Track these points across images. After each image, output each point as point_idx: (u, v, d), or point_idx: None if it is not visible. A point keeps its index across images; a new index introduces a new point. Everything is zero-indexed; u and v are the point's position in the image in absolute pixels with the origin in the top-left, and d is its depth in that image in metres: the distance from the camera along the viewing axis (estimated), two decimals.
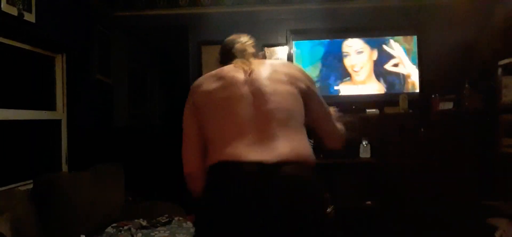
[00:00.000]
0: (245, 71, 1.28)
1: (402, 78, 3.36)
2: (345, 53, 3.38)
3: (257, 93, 1.22)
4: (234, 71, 1.30)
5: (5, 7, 2.05)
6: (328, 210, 1.22)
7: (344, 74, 3.38)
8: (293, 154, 1.14)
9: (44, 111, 2.59)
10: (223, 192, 1.11)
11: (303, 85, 1.30)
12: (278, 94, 1.23)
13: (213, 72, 1.34)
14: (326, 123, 1.41)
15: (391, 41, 3.36)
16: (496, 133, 2.98)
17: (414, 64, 3.36)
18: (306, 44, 3.41)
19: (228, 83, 1.26)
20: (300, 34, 3.43)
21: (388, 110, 3.20)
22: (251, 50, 1.46)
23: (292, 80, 1.29)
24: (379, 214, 2.99)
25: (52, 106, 2.69)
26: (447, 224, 2.89)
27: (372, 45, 3.37)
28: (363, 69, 3.37)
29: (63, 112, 2.74)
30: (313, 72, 3.36)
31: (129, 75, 3.98)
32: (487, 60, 3.12)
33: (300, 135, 1.23)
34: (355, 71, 3.37)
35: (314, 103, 1.34)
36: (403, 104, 3.16)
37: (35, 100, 2.54)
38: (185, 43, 3.60)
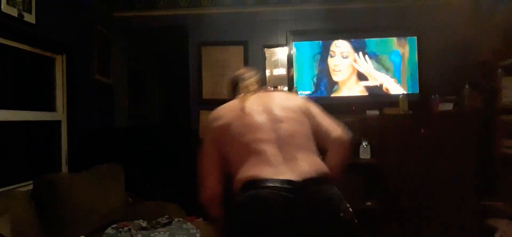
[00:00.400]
0: (258, 103, 1.48)
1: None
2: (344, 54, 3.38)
3: (274, 121, 1.40)
4: (248, 102, 1.49)
5: (5, 8, 2.05)
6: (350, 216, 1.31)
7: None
8: (313, 171, 1.29)
9: (44, 112, 2.59)
10: (258, 208, 1.21)
11: (305, 109, 1.50)
12: (291, 121, 1.42)
13: (227, 105, 1.55)
14: (325, 121, 1.54)
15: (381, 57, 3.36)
16: (496, 134, 2.98)
17: (410, 68, 3.35)
18: (306, 45, 3.40)
19: (246, 114, 1.44)
20: (300, 35, 3.43)
21: (388, 111, 3.20)
22: (254, 87, 1.61)
23: (299, 108, 1.49)
24: (379, 214, 2.99)
25: (52, 107, 2.69)
26: (447, 224, 2.89)
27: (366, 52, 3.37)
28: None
29: (63, 113, 2.74)
30: (313, 72, 3.36)
31: (129, 75, 3.99)
32: (487, 61, 3.12)
33: (313, 154, 1.41)
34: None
35: (315, 118, 1.52)
36: (403, 105, 3.16)
37: (35, 101, 2.55)
38: (185, 44, 3.60)
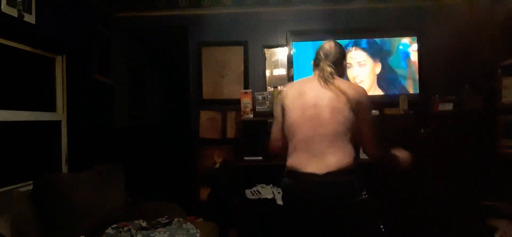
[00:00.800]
0: (315, 95, 1.75)
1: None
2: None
3: (319, 118, 1.70)
4: (308, 90, 1.77)
5: (5, 8, 2.05)
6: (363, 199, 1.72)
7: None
8: (336, 165, 1.64)
9: (44, 113, 2.59)
10: (296, 193, 1.70)
11: (355, 106, 1.71)
12: (333, 123, 1.68)
13: (298, 83, 1.89)
14: (366, 132, 1.78)
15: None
16: (496, 134, 2.98)
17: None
18: (306, 45, 3.41)
19: (303, 104, 1.74)
20: (300, 35, 3.43)
21: (388, 111, 3.20)
22: (329, 70, 1.78)
23: (349, 102, 1.70)
24: (379, 214, 2.99)
25: (52, 107, 2.69)
26: (447, 224, 2.89)
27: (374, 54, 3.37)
28: (363, 75, 3.37)
29: (63, 113, 2.74)
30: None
31: (129, 75, 3.99)
32: (487, 61, 3.12)
33: (344, 148, 1.68)
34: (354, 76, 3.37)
35: (360, 120, 1.73)
36: (403, 106, 3.16)
37: (35, 101, 2.55)
38: (185, 44, 3.60)
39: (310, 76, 1.88)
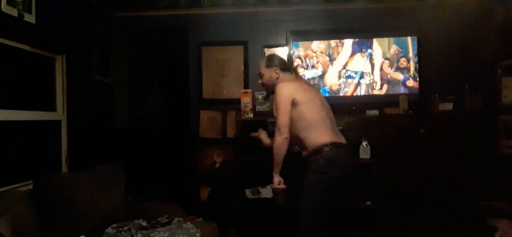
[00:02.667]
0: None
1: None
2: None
3: (323, 105, 2.26)
4: (303, 87, 2.29)
5: (5, 8, 2.05)
6: None
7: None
8: (343, 138, 2.27)
9: (44, 112, 2.59)
10: (337, 157, 2.11)
11: None
12: (327, 107, 2.30)
13: (292, 82, 2.29)
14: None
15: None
16: (496, 134, 2.99)
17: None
18: (306, 45, 3.40)
19: (309, 95, 2.23)
20: (300, 35, 3.43)
21: (388, 111, 3.20)
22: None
23: None
24: (379, 214, 2.99)
25: (52, 107, 2.69)
26: (447, 224, 2.89)
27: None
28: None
29: (63, 113, 2.74)
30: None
31: (129, 75, 3.98)
32: (487, 61, 3.12)
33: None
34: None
35: None
36: (403, 105, 3.16)
37: (35, 101, 2.54)
38: (185, 44, 3.60)
39: (292, 75, 2.39)
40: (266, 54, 3.50)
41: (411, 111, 3.15)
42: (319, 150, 2.10)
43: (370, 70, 3.36)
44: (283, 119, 2.14)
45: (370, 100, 3.31)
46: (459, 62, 3.29)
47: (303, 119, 2.16)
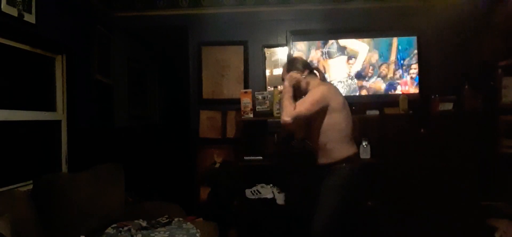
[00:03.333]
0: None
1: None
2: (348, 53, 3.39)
3: (349, 118, 2.24)
4: (335, 93, 2.25)
5: (5, 8, 2.05)
6: None
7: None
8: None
9: (44, 112, 2.59)
10: (360, 170, 2.22)
11: None
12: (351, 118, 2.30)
13: (327, 85, 2.27)
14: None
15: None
16: (496, 134, 2.98)
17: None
18: (306, 45, 3.40)
19: (341, 104, 2.19)
20: (300, 35, 3.43)
21: (388, 111, 3.20)
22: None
23: None
24: (379, 214, 2.99)
25: (52, 107, 2.69)
26: (447, 224, 2.89)
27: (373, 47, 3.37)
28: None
29: (63, 113, 2.74)
30: None
31: (129, 75, 3.98)
32: (487, 61, 3.12)
33: None
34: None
35: None
36: (403, 105, 3.16)
37: (35, 101, 2.54)
38: (185, 44, 3.60)
39: (317, 78, 2.33)
40: (266, 54, 3.51)
41: (411, 111, 3.15)
42: (345, 160, 2.15)
43: (370, 70, 3.36)
44: (303, 111, 2.12)
45: (370, 100, 3.31)
46: (459, 62, 3.29)
47: (338, 129, 2.16)
